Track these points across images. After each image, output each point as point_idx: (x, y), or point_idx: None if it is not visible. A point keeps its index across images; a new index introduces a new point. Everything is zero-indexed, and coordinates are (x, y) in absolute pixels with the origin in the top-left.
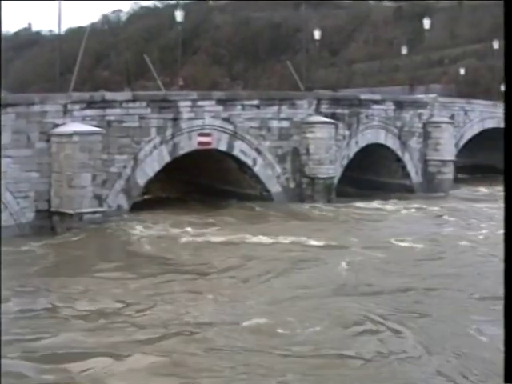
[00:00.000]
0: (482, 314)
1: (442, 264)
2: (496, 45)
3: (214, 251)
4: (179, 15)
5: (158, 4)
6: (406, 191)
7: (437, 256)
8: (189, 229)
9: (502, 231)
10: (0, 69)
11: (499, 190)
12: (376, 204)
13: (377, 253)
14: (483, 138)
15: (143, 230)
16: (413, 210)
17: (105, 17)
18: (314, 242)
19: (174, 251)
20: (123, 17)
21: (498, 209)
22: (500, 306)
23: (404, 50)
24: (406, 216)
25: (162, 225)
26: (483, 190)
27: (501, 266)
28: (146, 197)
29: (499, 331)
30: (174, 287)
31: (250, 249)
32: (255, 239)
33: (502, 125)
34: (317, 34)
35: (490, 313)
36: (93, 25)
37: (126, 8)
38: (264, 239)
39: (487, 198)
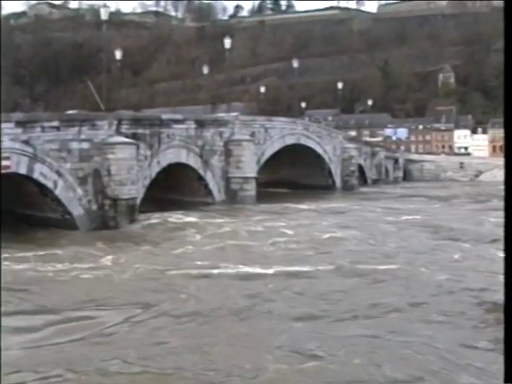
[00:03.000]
0: None
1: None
2: (295, 63)
3: None
4: None
5: None
6: (209, 209)
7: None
8: None
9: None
10: (0, 68)
11: (298, 205)
12: (173, 219)
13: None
14: (284, 154)
15: None
16: (220, 228)
17: None
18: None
19: None
20: None
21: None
22: None
23: (205, 70)
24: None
25: None
26: (285, 205)
27: None
28: None
29: None
30: None
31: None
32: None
33: (301, 141)
34: (118, 54)
35: None
36: None
37: None
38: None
39: (283, 212)
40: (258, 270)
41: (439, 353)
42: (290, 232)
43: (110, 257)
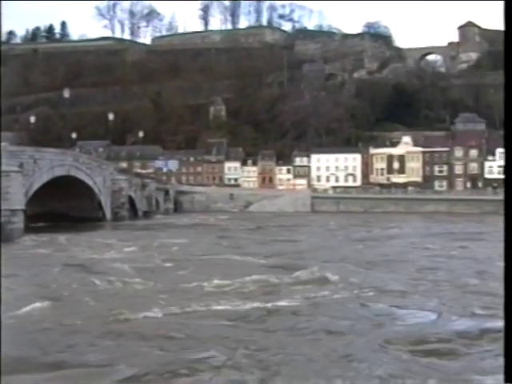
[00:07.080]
0: None
1: None
2: (67, 93)
3: None
4: None
5: None
6: None
7: None
8: None
9: None
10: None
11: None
12: None
13: None
14: (54, 185)
15: None
16: None
17: None
18: None
19: None
20: None
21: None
22: None
23: None
24: None
25: None
26: (60, 237)
27: None
28: None
29: None
30: None
31: None
32: None
33: (71, 172)
34: None
35: None
36: None
37: None
38: None
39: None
40: None
41: None
42: None
43: None
